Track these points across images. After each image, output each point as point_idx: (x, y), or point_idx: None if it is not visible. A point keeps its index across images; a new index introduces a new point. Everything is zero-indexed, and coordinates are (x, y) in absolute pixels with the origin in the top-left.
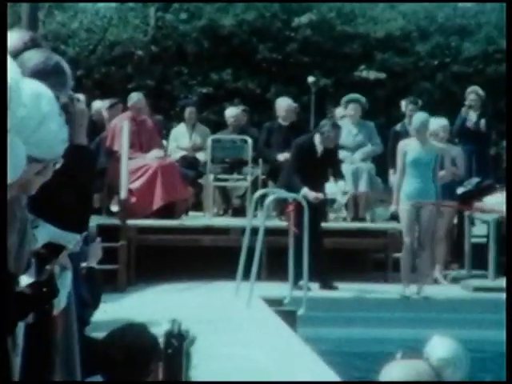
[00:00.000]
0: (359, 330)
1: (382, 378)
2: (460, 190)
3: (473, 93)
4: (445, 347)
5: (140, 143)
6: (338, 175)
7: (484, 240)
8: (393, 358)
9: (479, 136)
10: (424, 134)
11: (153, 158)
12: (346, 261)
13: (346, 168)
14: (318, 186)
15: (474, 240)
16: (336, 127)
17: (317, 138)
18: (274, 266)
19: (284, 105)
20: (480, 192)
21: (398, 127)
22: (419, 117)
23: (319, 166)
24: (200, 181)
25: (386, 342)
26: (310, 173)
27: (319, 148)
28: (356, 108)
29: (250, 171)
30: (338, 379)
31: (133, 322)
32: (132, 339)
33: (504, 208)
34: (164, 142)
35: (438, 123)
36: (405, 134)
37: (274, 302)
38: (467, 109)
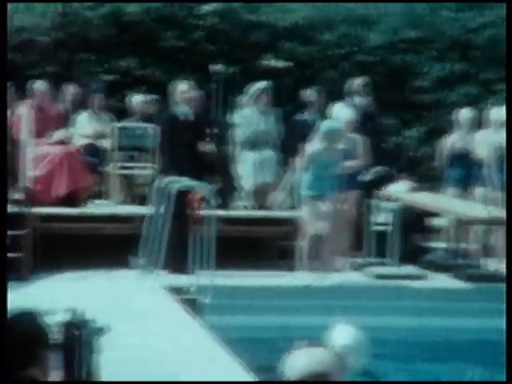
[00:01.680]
0: (264, 318)
1: (287, 365)
2: (363, 179)
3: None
4: (347, 335)
5: (44, 131)
6: None
7: (386, 228)
8: (297, 345)
9: (375, 126)
10: None
11: (57, 141)
12: (251, 249)
13: (252, 157)
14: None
15: (376, 228)
16: None
17: None
18: (180, 254)
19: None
20: (382, 180)
21: (303, 116)
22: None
23: None
24: (104, 169)
25: (290, 330)
26: None
27: None
28: (264, 96)
29: (155, 159)
30: (241, 366)
31: (23, 310)
32: (19, 327)
33: (406, 196)
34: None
35: (345, 114)
36: (310, 123)
37: (179, 291)
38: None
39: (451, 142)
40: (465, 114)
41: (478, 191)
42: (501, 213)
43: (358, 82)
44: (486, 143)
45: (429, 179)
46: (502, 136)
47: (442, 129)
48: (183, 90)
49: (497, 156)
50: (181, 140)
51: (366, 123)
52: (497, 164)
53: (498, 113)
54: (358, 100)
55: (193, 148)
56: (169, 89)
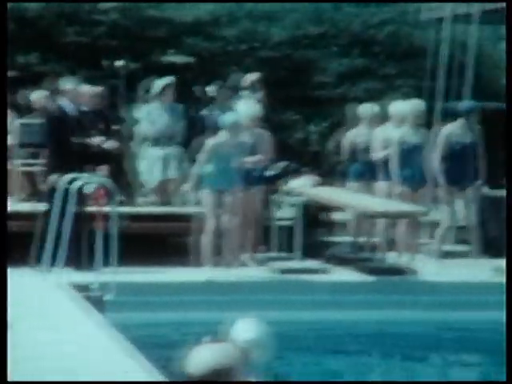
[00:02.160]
0: (167, 314)
1: (190, 361)
2: (267, 174)
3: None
4: (251, 330)
5: None
6: None
7: (290, 223)
8: (201, 341)
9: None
10: None
11: None
12: (154, 245)
13: (156, 153)
14: None
15: (280, 223)
16: None
17: None
18: (84, 251)
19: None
20: (287, 175)
21: (205, 112)
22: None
23: None
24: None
25: (194, 326)
26: None
27: None
28: (167, 92)
29: None
30: (145, 363)
31: None
32: None
33: (310, 191)
34: None
35: (249, 109)
36: (212, 119)
37: (82, 288)
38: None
39: (352, 136)
40: (365, 108)
41: (380, 185)
42: (401, 206)
43: (250, 77)
44: (386, 137)
45: (332, 174)
46: (402, 130)
47: (345, 124)
48: (71, 86)
49: (397, 150)
50: (71, 136)
51: (269, 118)
52: (397, 158)
53: (398, 107)
54: (256, 95)
55: (88, 144)
56: (59, 85)
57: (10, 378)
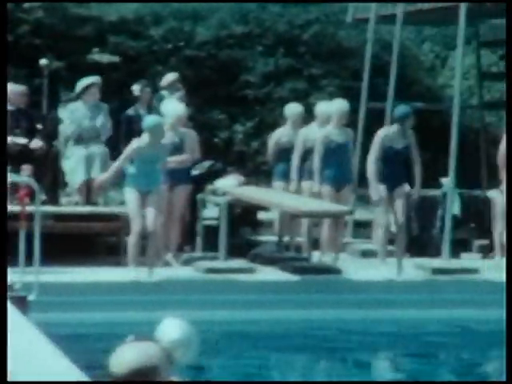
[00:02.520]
0: (93, 314)
1: (114, 360)
2: (192, 173)
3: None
4: (175, 329)
5: None
6: None
7: (216, 222)
8: (125, 340)
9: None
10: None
11: None
12: (79, 245)
13: (79, 152)
14: None
15: (206, 222)
16: None
17: None
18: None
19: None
20: (212, 175)
21: (131, 111)
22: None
23: None
24: None
25: (119, 325)
26: None
27: None
28: (92, 91)
29: None
30: (70, 363)
31: None
32: None
33: (235, 190)
34: None
35: (174, 109)
36: (137, 118)
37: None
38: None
39: (277, 136)
40: (291, 108)
41: (305, 185)
42: (325, 206)
43: (169, 77)
44: (310, 137)
45: (258, 173)
46: (327, 130)
47: (270, 123)
48: None
49: (320, 150)
50: None
51: (193, 117)
52: (320, 158)
53: (323, 107)
54: (176, 95)
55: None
56: None
57: (9, 378)
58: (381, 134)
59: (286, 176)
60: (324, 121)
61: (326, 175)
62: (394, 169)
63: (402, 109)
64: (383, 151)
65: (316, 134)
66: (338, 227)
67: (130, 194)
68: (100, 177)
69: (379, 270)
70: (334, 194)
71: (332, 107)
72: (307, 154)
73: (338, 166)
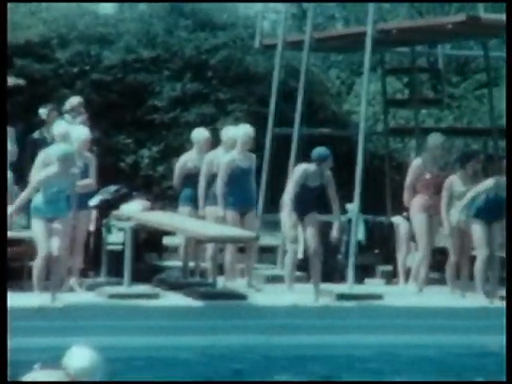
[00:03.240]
0: None
1: None
2: (97, 199)
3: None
4: (81, 357)
5: None
6: None
7: (121, 247)
8: (32, 368)
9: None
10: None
11: None
12: None
13: None
14: None
15: (110, 247)
16: None
17: None
18: None
19: None
20: (117, 200)
21: (36, 135)
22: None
23: None
24: None
25: (23, 352)
26: None
27: None
28: None
29: None
30: None
31: None
32: None
33: (141, 215)
34: None
35: (79, 133)
36: (42, 142)
37: None
38: None
39: (184, 161)
40: (197, 133)
41: (210, 210)
42: (230, 231)
43: (72, 101)
44: (216, 162)
45: (164, 198)
46: (231, 155)
47: (177, 148)
48: None
49: (224, 175)
50: None
51: (99, 142)
52: (226, 183)
53: (229, 132)
54: (78, 119)
55: None
56: None
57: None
58: (299, 170)
59: (192, 201)
60: (230, 146)
61: (230, 200)
62: (306, 201)
63: (320, 150)
64: (298, 186)
65: (221, 158)
66: (248, 253)
67: (36, 221)
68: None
69: (284, 296)
70: (238, 219)
71: (237, 132)
72: (213, 178)
73: (242, 191)
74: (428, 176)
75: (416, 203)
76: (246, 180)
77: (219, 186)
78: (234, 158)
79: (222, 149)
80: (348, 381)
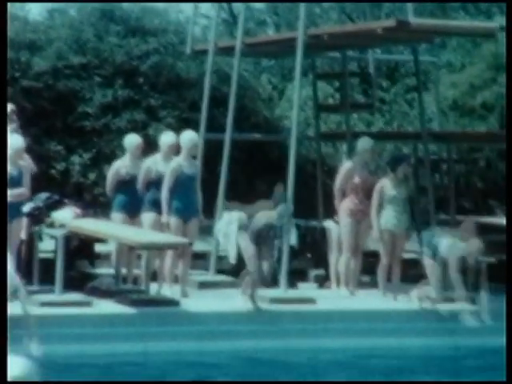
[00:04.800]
0: None
1: None
2: (28, 206)
3: None
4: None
5: None
6: None
7: (52, 255)
8: None
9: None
10: None
11: None
12: None
13: None
14: None
15: (42, 255)
16: None
17: None
18: None
19: None
20: (49, 207)
21: None
22: None
23: None
24: None
25: None
26: None
27: None
28: None
29: None
30: None
31: None
32: None
33: (72, 222)
34: None
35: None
36: None
37: None
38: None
39: (116, 167)
40: (129, 139)
41: (145, 216)
42: (165, 238)
43: None
44: (154, 169)
45: (96, 205)
46: (177, 161)
47: (108, 154)
48: None
49: (169, 182)
50: None
51: (29, 149)
52: (168, 190)
53: (169, 139)
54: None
55: None
56: None
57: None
58: None
59: (125, 208)
60: (168, 152)
61: (173, 207)
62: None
63: None
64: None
65: (158, 165)
66: (182, 259)
67: None
68: None
69: (217, 302)
70: (181, 226)
71: (182, 139)
72: (149, 185)
73: (187, 198)
74: (357, 180)
75: (344, 207)
76: (191, 187)
77: (164, 193)
78: (179, 165)
79: (161, 155)
80: (348, 381)
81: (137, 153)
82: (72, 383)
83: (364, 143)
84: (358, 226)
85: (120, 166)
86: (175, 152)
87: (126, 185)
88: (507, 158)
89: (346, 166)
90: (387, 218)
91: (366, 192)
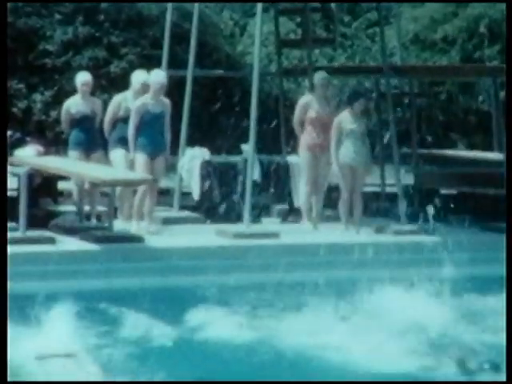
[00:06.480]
0: None
1: None
2: None
3: None
4: None
5: None
6: None
7: (15, 193)
8: None
9: None
10: None
11: None
12: None
13: None
14: None
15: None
16: None
17: None
18: None
19: None
20: (11, 145)
21: None
22: None
23: None
24: None
25: None
26: None
27: None
28: None
29: None
30: None
31: None
32: None
33: (34, 160)
34: None
35: None
36: None
37: None
38: None
39: (67, 106)
40: (79, 77)
41: (113, 153)
42: (124, 174)
43: None
44: (123, 106)
45: (58, 143)
46: (142, 99)
47: (70, 92)
48: None
49: (135, 119)
50: None
51: None
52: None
53: (139, 77)
54: None
55: None
56: None
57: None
58: None
59: (79, 145)
60: (138, 90)
61: (139, 144)
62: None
63: None
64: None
65: (129, 102)
66: (150, 196)
67: None
68: None
69: (181, 238)
70: (148, 163)
71: (150, 77)
72: (118, 121)
73: (153, 136)
74: (313, 114)
75: (302, 142)
76: (156, 125)
77: (130, 130)
78: (145, 103)
79: (131, 93)
80: (348, 381)
81: (84, 89)
82: (72, 383)
83: (317, 76)
84: (316, 159)
85: (70, 105)
86: (146, 90)
87: (79, 123)
88: (507, 158)
89: (301, 100)
90: (345, 153)
91: (324, 126)
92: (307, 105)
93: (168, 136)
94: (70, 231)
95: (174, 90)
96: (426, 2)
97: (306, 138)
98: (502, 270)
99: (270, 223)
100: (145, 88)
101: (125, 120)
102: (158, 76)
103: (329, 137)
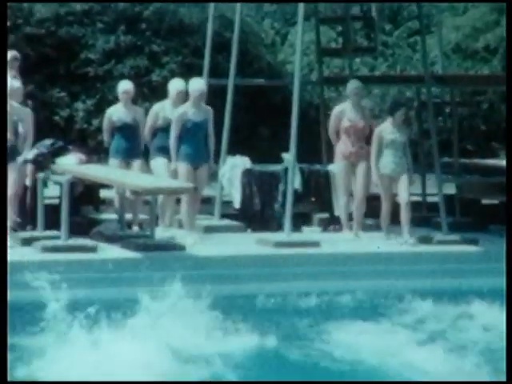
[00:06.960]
0: None
1: None
2: (32, 153)
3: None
4: None
5: None
6: None
7: (57, 201)
8: None
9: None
10: None
11: None
12: None
13: None
14: None
15: (47, 201)
16: None
17: None
18: None
19: None
20: (53, 153)
21: None
22: None
23: None
24: None
25: None
26: None
27: None
28: None
29: None
30: None
31: None
32: None
33: (76, 168)
34: None
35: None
36: None
37: None
38: None
39: (109, 114)
40: (121, 85)
41: (154, 162)
42: (168, 183)
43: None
44: (163, 115)
45: (100, 151)
46: (183, 108)
47: (112, 101)
48: None
49: (177, 128)
50: None
51: (33, 96)
52: (176, 136)
53: (177, 85)
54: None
55: None
56: None
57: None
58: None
59: (119, 153)
60: (176, 99)
61: (182, 153)
62: None
63: None
64: None
65: (167, 111)
66: (193, 205)
67: None
68: None
69: (223, 246)
70: (191, 172)
71: (190, 86)
72: (157, 131)
73: (195, 145)
74: (347, 123)
75: (337, 150)
76: (198, 133)
77: (171, 140)
78: (185, 112)
79: (169, 101)
80: (348, 381)
81: (125, 97)
82: (71, 383)
83: (350, 86)
84: (352, 168)
85: (112, 113)
86: (184, 98)
87: (120, 131)
88: (507, 158)
89: (335, 109)
90: (385, 163)
91: (358, 134)
92: (341, 114)
93: (212, 144)
94: (111, 239)
95: (215, 99)
96: (430, 2)
97: (341, 146)
98: None
99: (310, 232)
100: (181, 96)
101: (164, 129)
102: (197, 83)
103: (364, 145)
